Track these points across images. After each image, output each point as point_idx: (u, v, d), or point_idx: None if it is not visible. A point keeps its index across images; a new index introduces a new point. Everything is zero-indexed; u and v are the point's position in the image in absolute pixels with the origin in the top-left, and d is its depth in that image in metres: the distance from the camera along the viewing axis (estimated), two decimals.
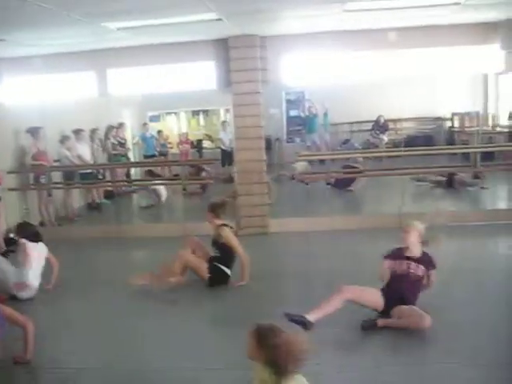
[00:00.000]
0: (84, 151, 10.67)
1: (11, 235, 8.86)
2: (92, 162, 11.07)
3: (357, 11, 6.71)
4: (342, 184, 11.07)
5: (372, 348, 4.52)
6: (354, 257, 6.96)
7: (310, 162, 12.89)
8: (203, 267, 6.11)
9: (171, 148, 15.25)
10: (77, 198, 11.00)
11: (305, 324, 4.57)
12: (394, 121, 15.84)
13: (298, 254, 7.42)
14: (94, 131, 11.55)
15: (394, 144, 14.89)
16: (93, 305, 5.94)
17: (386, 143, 14.98)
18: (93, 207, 11.34)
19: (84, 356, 4.63)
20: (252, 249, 7.61)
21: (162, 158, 13.96)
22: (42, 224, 9.70)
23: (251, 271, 6.12)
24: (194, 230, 8.61)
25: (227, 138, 13.97)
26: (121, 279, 6.39)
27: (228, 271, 6.16)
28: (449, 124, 16.14)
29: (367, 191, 11.07)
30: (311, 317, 4.66)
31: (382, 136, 15.07)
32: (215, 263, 6.12)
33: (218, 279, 6.10)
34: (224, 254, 6.16)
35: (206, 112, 16.97)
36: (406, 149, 11.00)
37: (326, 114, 14.81)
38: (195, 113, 16.96)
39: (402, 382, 3.95)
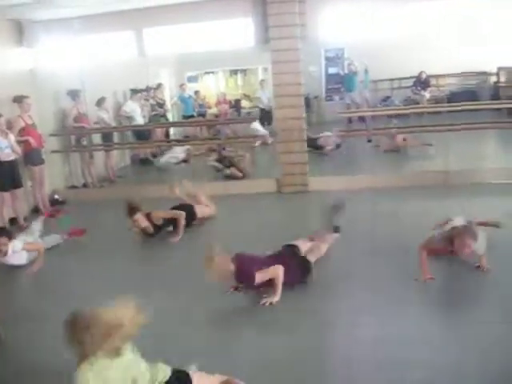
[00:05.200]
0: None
1: (56, 196, 9.09)
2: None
3: None
4: None
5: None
6: (391, 216, 6.77)
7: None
8: None
9: (209, 108, 15.22)
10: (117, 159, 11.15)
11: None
12: (436, 76, 15.36)
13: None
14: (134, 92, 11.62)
15: (436, 100, 14.50)
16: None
17: (428, 100, 14.60)
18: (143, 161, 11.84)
19: None
20: (290, 206, 7.69)
21: (201, 118, 13.96)
22: (85, 185, 9.89)
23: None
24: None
25: (265, 96, 13.95)
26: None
27: None
28: (494, 79, 15.59)
29: (409, 148, 10.82)
30: None
31: (423, 92, 14.68)
32: None
33: None
34: None
35: (243, 71, 16.82)
36: (448, 104, 10.69)
37: (366, 71, 14.47)
38: (233, 72, 16.83)
39: None
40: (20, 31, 8.93)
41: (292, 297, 4.78)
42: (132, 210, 6.68)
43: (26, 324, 4.71)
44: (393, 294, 4.72)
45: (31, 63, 9.13)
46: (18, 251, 6.08)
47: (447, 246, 4.86)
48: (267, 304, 4.68)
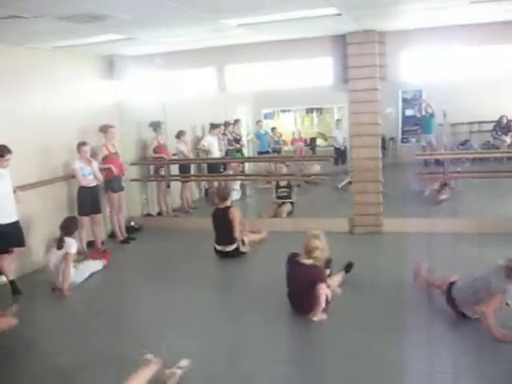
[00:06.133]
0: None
1: (132, 223, 9.38)
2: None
3: (483, 2, 6.37)
4: None
5: None
6: (460, 262, 6.31)
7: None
8: None
9: (285, 145, 15.37)
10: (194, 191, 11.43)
11: None
12: None
13: (401, 256, 7.05)
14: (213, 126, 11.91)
15: None
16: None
17: (509, 145, 14.19)
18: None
19: None
20: (360, 247, 7.57)
21: (276, 154, 14.10)
22: (159, 214, 10.16)
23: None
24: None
25: (341, 136, 13.95)
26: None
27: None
28: None
29: (485, 194, 10.49)
30: None
31: (504, 137, 14.31)
32: None
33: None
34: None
35: (319, 110, 16.94)
36: None
37: (444, 114, 14.24)
38: (309, 111, 16.98)
39: None
40: (110, 66, 9.42)
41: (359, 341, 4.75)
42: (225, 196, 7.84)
43: None
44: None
45: (118, 96, 9.57)
46: (71, 248, 6.58)
47: None
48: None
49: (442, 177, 10.33)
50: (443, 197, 10.16)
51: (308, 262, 5.28)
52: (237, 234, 7.52)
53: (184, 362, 4.18)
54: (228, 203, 7.80)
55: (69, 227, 6.79)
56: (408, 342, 4.69)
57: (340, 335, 4.94)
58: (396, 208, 9.11)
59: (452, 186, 10.55)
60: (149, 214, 10.23)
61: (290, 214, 9.80)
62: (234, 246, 7.55)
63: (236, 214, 7.58)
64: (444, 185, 10.38)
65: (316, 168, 13.10)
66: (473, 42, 8.01)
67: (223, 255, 7.56)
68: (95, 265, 7.17)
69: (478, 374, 4.11)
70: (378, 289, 6.01)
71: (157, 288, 6.57)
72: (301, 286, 5.24)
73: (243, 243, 7.69)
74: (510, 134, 14.39)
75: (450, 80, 9.19)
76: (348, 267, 6.21)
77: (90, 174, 7.93)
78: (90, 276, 6.93)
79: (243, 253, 7.62)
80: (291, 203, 9.95)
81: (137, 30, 7.08)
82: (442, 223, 8.23)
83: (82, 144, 7.88)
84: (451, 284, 5.10)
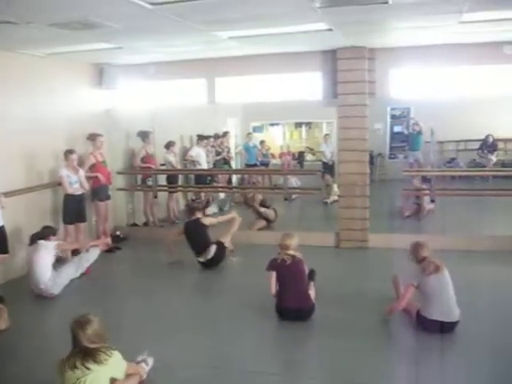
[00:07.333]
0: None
1: (118, 233, 9.32)
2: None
3: (473, 22, 6.45)
4: None
5: None
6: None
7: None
8: None
9: (274, 159, 15.37)
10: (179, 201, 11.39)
11: None
12: (505, 140, 15.08)
13: (385, 272, 6.83)
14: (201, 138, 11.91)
15: (503, 165, 14.21)
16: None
17: (494, 164, 14.31)
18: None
19: None
20: (346, 262, 7.55)
21: (264, 167, 14.11)
22: (146, 224, 10.09)
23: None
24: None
25: (329, 151, 13.98)
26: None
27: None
28: None
29: (471, 212, 10.55)
30: None
31: (490, 156, 14.42)
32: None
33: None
34: None
35: (308, 124, 16.97)
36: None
37: (432, 132, 14.34)
38: (298, 125, 17.00)
39: None
40: (100, 74, 9.39)
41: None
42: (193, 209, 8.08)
43: None
44: None
45: (107, 104, 9.56)
46: (49, 250, 6.62)
47: None
48: None
49: (428, 193, 10.37)
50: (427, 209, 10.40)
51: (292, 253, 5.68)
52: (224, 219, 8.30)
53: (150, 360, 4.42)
54: (198, 215, 7.93)
55: (42, 231, 6.81)
56: (390, 357, 4.72)
57: (322, 349, 4.95)
58: (382, 223, 9.13)
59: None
60: (135, 224, 10.18)
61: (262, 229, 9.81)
62: (212, 250, 7.57)
63: (208, 221, 7.96)
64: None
65: (293, 183, 12.96)
66: (461, 62, 8.13)
67: (206, 266, 7.59)
68: (72, 271, 7.02)
69: None
70: (361, 303, 6.03)
71: (139, 296, 6.57)
72: (300, 278, 5.61)
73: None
74: (495, 152, 14.50)
75: (438, 98, 9.26)
76: (311, 274, 6.09)
77: (76, 183, 7.88)
78: (71, 282, 6.85)
79: (224, 256, 7.74)
80: (267, 221, 9.99)
81: (129, 40, 7.07)
82: (427, 240, 8.21)
83: (69, 152, 7.83)
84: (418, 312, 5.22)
